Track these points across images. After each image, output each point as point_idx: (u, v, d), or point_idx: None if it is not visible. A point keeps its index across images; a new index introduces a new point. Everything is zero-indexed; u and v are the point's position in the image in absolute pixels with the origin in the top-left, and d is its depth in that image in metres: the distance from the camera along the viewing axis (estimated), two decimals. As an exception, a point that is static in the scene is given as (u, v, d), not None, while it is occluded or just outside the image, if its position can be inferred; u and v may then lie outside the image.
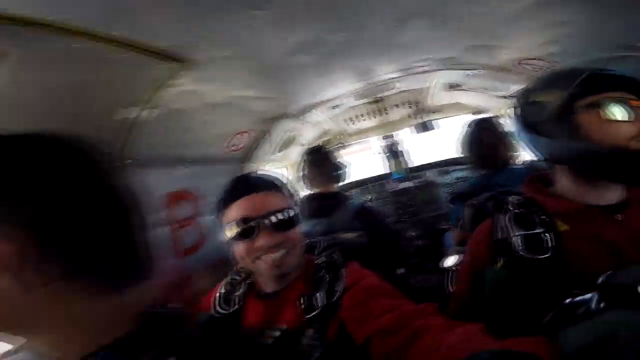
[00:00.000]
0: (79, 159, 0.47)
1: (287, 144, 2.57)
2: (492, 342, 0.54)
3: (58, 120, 0.87)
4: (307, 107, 1.98)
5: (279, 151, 2.53)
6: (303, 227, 1.94)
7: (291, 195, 0.96)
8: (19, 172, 0.43)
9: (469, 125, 1.84)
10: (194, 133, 1.53)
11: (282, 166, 2.95)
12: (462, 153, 1.86)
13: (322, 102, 2.04)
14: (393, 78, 1.93)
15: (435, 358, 0.57)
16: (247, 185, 0.90)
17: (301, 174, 2.09)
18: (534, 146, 0.88)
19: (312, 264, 0.94)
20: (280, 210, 0.88)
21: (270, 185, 0.92)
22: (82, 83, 0.88)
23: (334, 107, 2.27)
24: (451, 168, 3.22)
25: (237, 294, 0.94)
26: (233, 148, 1.94)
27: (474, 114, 2.69)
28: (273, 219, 0.86)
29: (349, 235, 1.48)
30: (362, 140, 3.35)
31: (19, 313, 0.45)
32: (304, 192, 2.40)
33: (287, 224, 0.89)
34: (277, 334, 0.71)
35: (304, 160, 2.03)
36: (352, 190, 3.46)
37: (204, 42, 0.96)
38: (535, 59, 1.47)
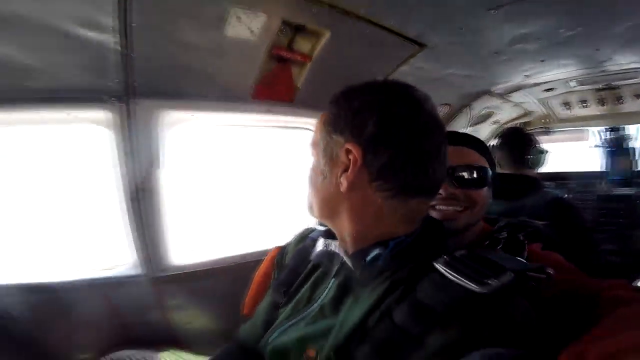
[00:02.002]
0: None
1: (482, 120, 2.68)
2: None
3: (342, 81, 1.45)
4: (516, 86, 2.06)
5: (472, 126, 2.68)
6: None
7: (490, 159, 1.00)
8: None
9: None
10: None
11: None
12: None
13: (534, 85, 2.06)
14: (638, 68, 1.75)
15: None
16: (450, 136, 1.00)
17: (495, 155, 2.20)
18: None
19: (492, 236, 0.94)
20: (469, 167, 0.93)
21: (471, 142, 0.98)
22: (359, 56, 1.40)
23: (547, 90, 2.22)
24: None
25: None
26: None
27: None
28: (458, 172, 0.91)
29: (539, 223, 1.52)
30: (576, 128, 2.99)
31: (338, 203, 0.66)
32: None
33: (472, 182, 0.92)
34: None
35: (499, 139, 2.06)
36: (548, 182, 3.19)
37: (441, 30, 1.30)
38: None
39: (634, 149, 2.78)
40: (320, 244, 0.78)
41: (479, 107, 2.33)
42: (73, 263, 1.46)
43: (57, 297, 1.33)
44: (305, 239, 0.87)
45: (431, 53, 1.46)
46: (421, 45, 1.38)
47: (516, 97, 2.34)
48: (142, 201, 1.36)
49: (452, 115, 2.34)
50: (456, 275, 0.55)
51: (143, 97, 1.17)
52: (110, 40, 0.97)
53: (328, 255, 0.75)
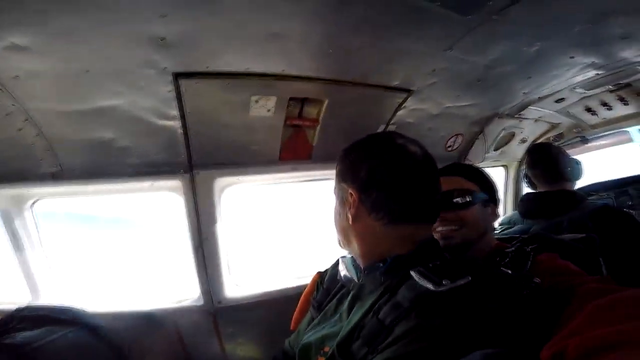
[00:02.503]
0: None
1: (505, 142, 2.77)
2: None
3: (347, 136, 1.78)
4: (521, 105, 2.21)
5: (495, 149, 2.77)
6: (519, 225, 2.11)
7: (482, 182, 1.20)
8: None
9: None
10: (421, 138, 2.16)
11: (499, 164, 3.07)
12: None
13: (539, 99, 2.19)
14: (633, 63, 1.83)
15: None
16: (442, 169, 1.12)
17: (524, 172, 2.17)
18: None
19: (503, 251, 1.07)
20: (453, 192, 1.12)
21: (459, 170, 1.20)
22: (357, 113, 1.74)
23: (558, 101, 2.31)
24: None
25: None
26: (449, 149, 2.43)
27: None
28: (445, 198, 1.07)
29: (568, 236, 1.38)
30: (616, 131, 2.90)
31: (349, 232, 0.87)
32: (527, 190, 2.49)
33: (457, 204, 1.11)
34: None
35: (527, 157, 2.08)
36: (603, 193, 3.02)
37: (418, 75, 1.59)
38: None
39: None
40: (342, 268, 1.01)
41: (494, 130, 2.46)
42: (153, 297, 1.91)
43: (141, 322, 1.75)
44: (337, 265, 1.10)
45: (420, 95, 1.75)
46: (408, 91, 1.69)
47: (530, 113, 2.45)
48: (205, 248, 1.76)
49: (469, 144, 2.50)
50: (421, 279, 0.71)
51: (201, 168, 1.62)
52: (176, 125, 1.43)
53: (347, 276, 0.95)
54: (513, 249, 1.07)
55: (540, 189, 1.98)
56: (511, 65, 1.66)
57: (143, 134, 1.44)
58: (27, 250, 1.72)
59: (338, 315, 0.93)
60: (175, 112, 1.38)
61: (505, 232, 2.11)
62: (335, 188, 0.95)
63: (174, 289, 1.95)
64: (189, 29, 1.08)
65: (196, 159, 1.59)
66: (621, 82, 2.08)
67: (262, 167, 1.74)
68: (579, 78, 1.95)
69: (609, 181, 3.04)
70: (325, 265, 1.22)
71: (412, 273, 0.74)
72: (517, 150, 2.96)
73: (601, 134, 2.93)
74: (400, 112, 1.84)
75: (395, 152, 0.85)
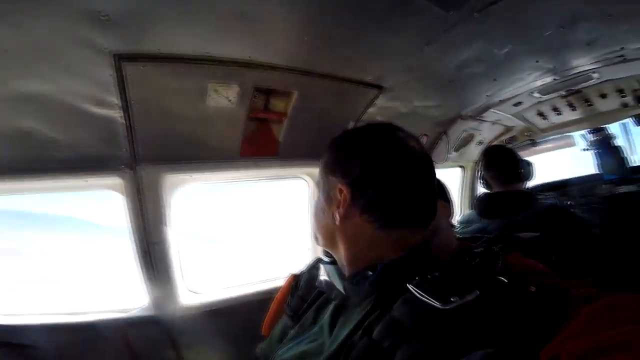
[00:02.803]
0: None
1: (464, 143, 2.84)
2: None
3: (317, 131, 1.66)
4: (483, 107, 2.25)
5: (456, 150, 2.84)
6: (477, 224, 2.17)
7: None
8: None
9: None
10: None
11: (458, 165, 3.18)
12: None
13: (500, 102, 2.25)
14: (585, 71, 1.92)
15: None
16: None
17: (480, 173, 2.23)
18: None
19: (471, 251, 1.05)
20: None
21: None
22: (327, 108, 1.64)
23: (516, 105, 2.39)
24: None
25: None
26: None
27: None
28: None
29: (526, 235, 1.44)
30: (561, 135, 3.11)
31: (335, 234, 0.76)
32: (483, 190, 2.58)
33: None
34: None
35: (483, 159, 2.14)
36: (547, 193, 3.24)
37: (392, 72, 1.52)
38: None
39: (621, 147, 2.85)
40: (323, 272, 0.90)
41: (456, 132, 2.50)
42: (95, 306, 1.67)
43: (81, 335, 1.52)
44: (313, 268, 1.00)
45: (391, 93, 1.69)
46: (380, 88, 1.61)
47: (489, 116, 2.52)
48: (153, 253, 1.55)
49: (433, 144, 2.51)
50: (423, 294, 0.61)
51: (147, 163, 1.40)
52: (115, 115, 1.20)
53: (329, 282, 0.86)
54: (481, 249, 1.05)
55: (496, 189, 2.06)
56: (481, 66, 1.65)
57: (76, 124, 1.20)
58: None
59: (318, 327, 0.82)
60: (116, 99, 1.16)
61: (464, 230, 2.18)
62: (319, 181, 0.83)
63: (120, 297, 1.72)
64: (136, 4, 0.89)
65: (141, 154, 1.37)
66: (573, 88, 2.20)
67: (220, 163, 1.56)
68: (538, 83, 2.02)
69: (552, 182, 3.29)
70: (291, 268, 1.12)
71: (410, 287, 0.64)
72: (474, 151, 3.06)
73: (548, 138, 3.12)
74: (370, 110, 1.76)
75: (396, 147, 0.75)
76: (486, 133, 2.88)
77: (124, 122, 1.24)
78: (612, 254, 2.74)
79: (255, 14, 1.01)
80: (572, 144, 3.13)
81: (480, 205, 2.04)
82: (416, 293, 0.62)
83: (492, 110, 2.37)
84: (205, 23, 1.02)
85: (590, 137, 2.95)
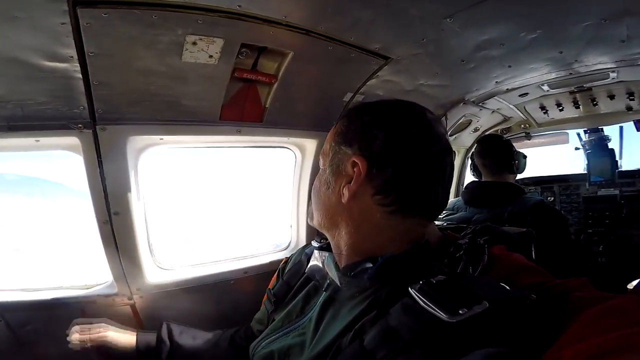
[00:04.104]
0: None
1: (461, 128, 2.71)
2: None
3: (309, 100, 1.46)
4: (489, 93, 2.09)
5: (451, 135, 2.71)
6: (462, 212, 2.11)
7: None
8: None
9: None
10: None
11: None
12: None
13: (507, 90, 2.09)
14: (605, 69, 1.79)
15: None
16: None
17: (472, 160, 2.20)
18: None
19: (455, 242, 1.04)
20: None
21: None
22: (324, 74, 1.42)
23: (521, 95, 2.26)
24: None
25: None
26: None
27: None
28: None
29: (511, 229, 1.40)
30: (556, 131, 3.03)
31: (338, 213, 0.68)
32: (472, 178, 2.52)
33: None
34: None
35: (478, 146, 2.10)
36: (532, 187, 3.23)
37: (403, 42, 1.32)
38: None
39: (613, 150, 2.81)
40: (314, 258, 0.80)
41: (455, 116, 2.36)
42: (54, 282, 1.50)
43: (40, 314, 1.39)
44: (303, 252, 0.91)
45: (397, 66, 1.49)
46: (386, 59, 1.41)
47: (492, 104, 2.38)
48: (115, 224, 1.37)
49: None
50: (427, 302, 0.54)
51: (108, 122, 1.18)
52: (71, 69, 0.98)
53: (320, 269, 0.77)
54: (466, 240, 0.97)
55: (485, 179, 2.04)
56: (500, 49, 1.47)
57: (22, 78, 0.99)
58: None
59: (306, 319, 0.74)
60: (71, 51, 0.94)
61: (449, 217, 2.12)
62: (327, 150, 0.72)
63: (79, 273, 1.54)
64: None
65: (102, 112, 1.14)
66: (585, 85, 2.07)
67: (195, 126, 1.34)
68: (552, 75, 1.88)
69: (537, 177, 3.27)
70: (270, 245, 1.00)
71: (413, 292, 0.56)
72: (468, 138, 2.94)
73: (544, 132, 3.04)
74: (371, 82, 1.57)
75: (424, 128, 0.66)
76: (484, 121, 2.75)
77: (80, 77, 1.01)
78: (584, 256, 2.80)
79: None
80: (565, 141, 3.07)
81: (469, 193, 2.00)
82: (420, 300, 0.54)
83: (496, 98, 2.22)
84: None
85: (586, 137, 2.89)
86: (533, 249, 1.21)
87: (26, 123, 1.09)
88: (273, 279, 1.02)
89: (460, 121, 2.54)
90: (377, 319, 0.58)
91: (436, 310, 0.52)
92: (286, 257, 1.02)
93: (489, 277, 0.85)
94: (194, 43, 1.00)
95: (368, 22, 1.17)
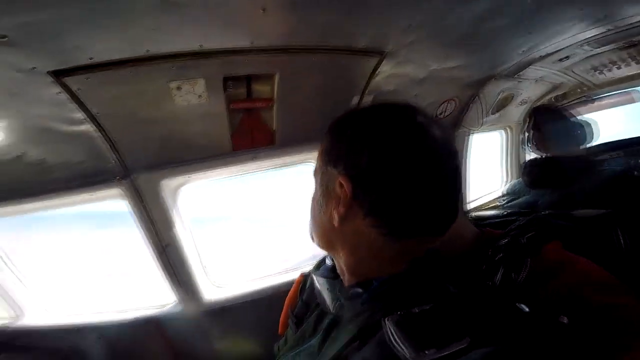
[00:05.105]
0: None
1: (503, 104, 2.31)
2: None
3: (315, 112, 1.37)
4: (520, 64, 1.74)
5: (494, 113, 2.33)
6: (526, 196, 1.80)
7: None
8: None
9: None
10: None
11: (500, 127, 2.67)
12: None
13: (540, 58, 1.71)
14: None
15: None
16: None
17: (525, 135, 1.85)
18: None
19: (495, 244, 0.76)
20: None
21: None
22: (321, 84, 1.31)
23: (561, 60, 1.84)
24: None
25: None
26: (440, 116, 1.99)
27: None
28: None
29: (584, 212, 1.03)
30: (622, 91, 2.40)
31: (332, 236, 0.59)
32: (529, 156, 2.16)
33: None
34: None
35: (529, 120, 1.79)
36: (609, 153, 2.57)
37: (389, 34, 1.15)
38: None
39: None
40: (315, 279, 0.74)
41: (491, 93, 2.02)
42: (136, 303, 1.69)
43: (129, 330, 1.55)
44: (318, 269, 0.82)
45: (397, 58, 1.31)
46: (381, 53, 1.25)
47: (531, 73, 1.98)
48: (169, 254, 1.47)
49: (464, 109, 2.06)
50: (396, 337, 0.46)
51: (139, 171, 1.26)
52: (90, 129, 1.05)
53: (326, 290, 0.69)
54: (507, 239, 0.75)
55: (546, 155, 1.68)
56: (507, 18, 1.21)
57: (57, 143, 1.08)
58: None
59: (317, 338, 0.66)
60: (80, 114, 1.00)
61: (510, 204, 1.84)
62: (316, 171, 0.64)
63: (151, 296, 1.70)
64: (38, 18, 0.69)
65: (131, 163, 1.23)
66: (633, 39, 1.60)
67: (213, 161, 1.35)
68: (587, 34, 1.49)
69: (615, 141, 2.60)
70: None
71: (387, 324, 0.48)
72: (516, 112, 2.50)
73: (606, 94, 2.44)
74: (376, 79, 1.40)
75: (414, 134, 0.53)
76: (530, 92, 2.31)
77: (100, 134, 1.09)
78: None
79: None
80: (634, 100, 2.41)
81: (528, 173, 1.68)
82: (389, 334, 0.47)
83: (532, 67, 1.83)
84: (131, 19, 0.78)
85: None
86: (620, 236, 0.87)
87: (75, 182, 1.21)
88: (290, 296, 0.94)
89: (500, 97, 2.17)
90: (360, 348, 0.51)
91: (402, 348, 0.44)
92: (302, 274, 0.94)
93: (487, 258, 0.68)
94: (179, 88, 1.01)
95: (349, 23, 1.04)
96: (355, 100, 1.47)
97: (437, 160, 0.53)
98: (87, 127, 1.05)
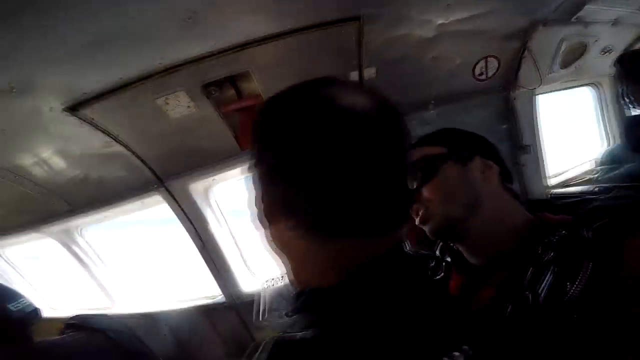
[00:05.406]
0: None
1: (576, 55, 1.79)
2: None
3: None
4: (572, 3, 1.32)
5: (564, 67, 1.82)
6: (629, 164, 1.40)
7: (448, 140, 0.70)
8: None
9: None
10: (429, 74, 1.49)
11: (582, 83, 2.10)
12: None
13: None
14: None
15: None
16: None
17: (619, 90, 1.49)
18: None
19: (543, 241, 0.57)
20: (420, 164, 0.67)
21: (425, 141, 0.72)
22: (307, 68, 1.21)
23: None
24: None
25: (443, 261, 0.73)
26: (482, 77, 1.64)
27: None
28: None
29: None
30: None
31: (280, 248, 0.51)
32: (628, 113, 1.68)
33: (422, 177, 0.66)
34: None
35: (619, 70, 1.45)
36: None
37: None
38: None
39: None
40: None
41: (544, 43, 1.58)
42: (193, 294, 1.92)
43: (188, 319, 1.78)
44: None
45: (381, 19, 1.14)
46: (357, 19, 1.10)
47: (598, 14, 1.50)
48: (209, 249, 1.63)
49: (513, 65, 1.65)
50: None
51: (169, 178, 1.45)
52: (119, 149, 1.27)
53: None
54: (563, 232, 0.54)
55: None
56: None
57: (101, 165, 1.34)
58: (90, 267, 1.91)
59: None
60: (107, 138, 1.21)
61: (607, 176, 1.60)
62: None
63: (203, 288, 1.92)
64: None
65: (160, 173, 1.42)
66: None
67: (226, 162, 1.45)
68: None
69: None
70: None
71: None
72: (602, 63, 1.91)
73: None
74: (370, 49, 1.23)
75: (319, 112, 0.43)
76: (609, 37, 1.75)
77: (128, 152, 1.30)
78: None
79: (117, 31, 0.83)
80: None
81: (631, 134, 1.44)
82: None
83: (591, 5, 1.38)
84: (76, 56, 0.90)
85: None
86: None
87: (128, 192, 1.47)
88: None
89: (564, 48, 1.69)
90: None
91: None
92: None
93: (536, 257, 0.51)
94: (167, 102, 1.12)
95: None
96: (354, 75, 1.33)
97: (351, 137, 0.41)
98: (118, 148, 1.27)
